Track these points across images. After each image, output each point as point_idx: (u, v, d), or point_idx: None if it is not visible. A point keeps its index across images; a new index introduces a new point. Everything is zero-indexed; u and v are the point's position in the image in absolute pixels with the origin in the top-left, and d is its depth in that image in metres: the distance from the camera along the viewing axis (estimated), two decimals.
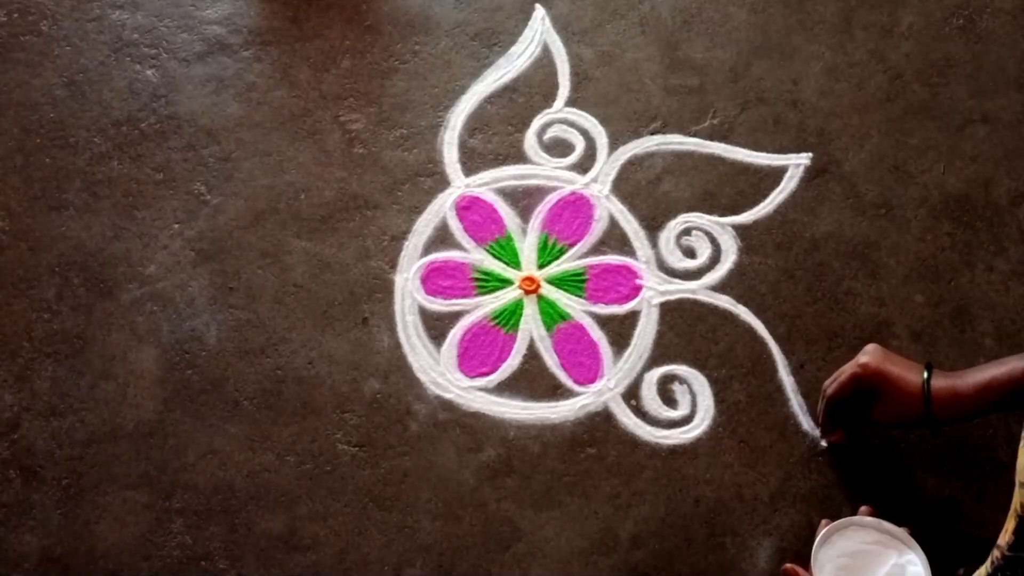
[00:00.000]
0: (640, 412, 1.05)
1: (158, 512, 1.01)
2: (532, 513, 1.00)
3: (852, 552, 0.91)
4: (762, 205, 1.15)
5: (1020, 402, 0.88)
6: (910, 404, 0.91)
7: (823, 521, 0.94)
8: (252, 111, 1.21)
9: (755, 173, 1.17)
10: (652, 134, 1.19)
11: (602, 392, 1.06)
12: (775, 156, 1.18)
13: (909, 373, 0.91)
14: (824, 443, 1.02)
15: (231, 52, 1.25)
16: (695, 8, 1.27)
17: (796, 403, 1.04)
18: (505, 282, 1.12)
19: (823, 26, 1.25)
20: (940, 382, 0.90)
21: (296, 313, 1.10)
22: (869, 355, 0.93)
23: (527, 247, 1.13)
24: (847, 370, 0.94)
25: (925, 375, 0.90)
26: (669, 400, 1.06)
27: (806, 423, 1.04)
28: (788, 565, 0.95)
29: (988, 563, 0.78)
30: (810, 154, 1.17)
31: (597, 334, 1.09)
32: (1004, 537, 0.76)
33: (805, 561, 0.92)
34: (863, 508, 0.95)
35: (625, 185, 1.16)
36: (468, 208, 1.15)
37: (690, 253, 1.13)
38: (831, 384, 0.96)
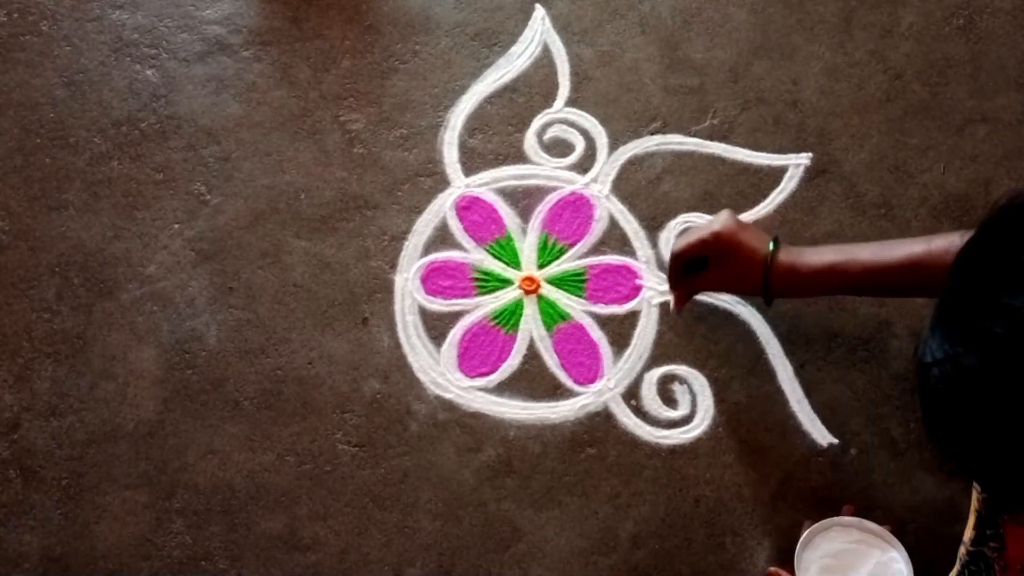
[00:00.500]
0: (640, 412, 1.05)
1: (158, 512, 1.01)
2: (532, 513, 1.00)
3: (835, 552, 0.91)
4: (762, 205, 1.15)
5: (862, 292, 0.97)
6: (750, 273, 0.95)
7: (806, 523, 0.94)
8: (252, 111, 1.21)
9: (755, 173, 1.17)
10: (652, 134, 1.19)
11: (602, 392, 1.06)
12: (775, 156, 1.17)
13: (757, 244, 0.95)
14: (671, 303, 1.06)
15: (231, 52, 1.25)
16: (695, 8, 1.27)
17: (796, 403, 1.04)
18: (505, 282, 1.12)
19: (823, 26, 1.25)
20: (783, 257, 0.94)
21: (296, 313, 1.10)
22: (721, 224, 0.96)
23: (527, 247, 1.13)
24: (698, 234, 0.97)
25: (771, 247, 0.94)
26: (669, 400, 1.06)
27: (806, 423, 1.04)
28: (772, 569, 0.95)
29: (957, 561, 0.79)
30: (810, 154, 1.17)
31: (597, 334, 1.09)
32: (967, 534, 0.77)
33: (790, 564, 0.92)
34: (845, 508, 0.95)
35: (625, 185, 1.16)
36: (468, 208, 1.15)
37: None
38: (678, 243, 0.99)
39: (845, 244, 0.95)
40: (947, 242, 0.86)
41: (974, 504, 0.76)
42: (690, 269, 1.00)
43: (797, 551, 0.91)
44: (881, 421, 1.04)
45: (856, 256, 0.92)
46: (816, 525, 0.93)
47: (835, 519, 0.93)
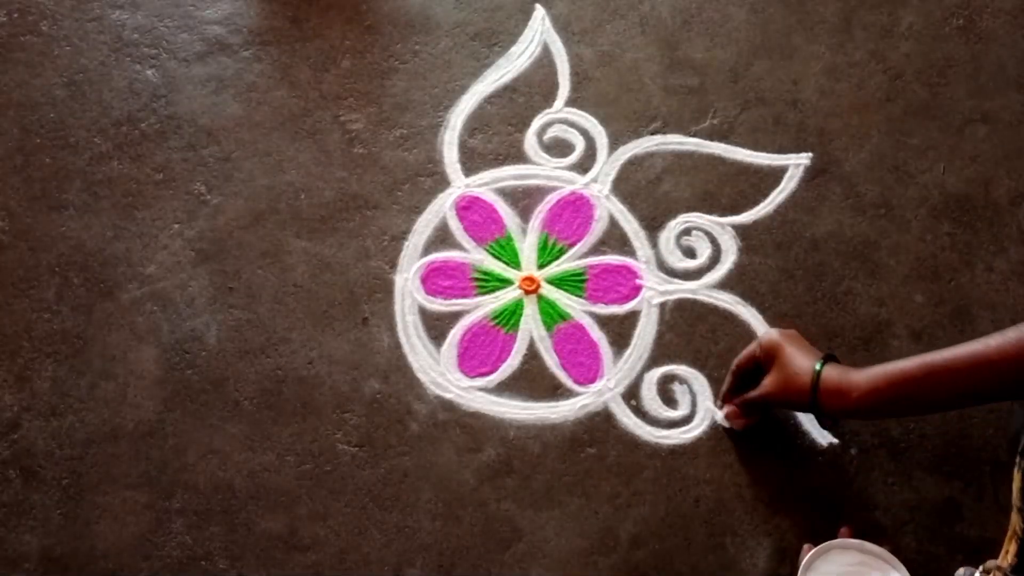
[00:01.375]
0: (640, 412, 1.05)
1: (158, 512, 1.01)
2: (532, 513, 1.00)
3: (836, 575, 0.91)
4: (762, 205, 1.15)
5: (926, 405, 0.88)
6: (798, 385, 0.92)
7: (805, 546, 0.94)
8: (252, 111, 1.21)
9: (755, 173, 1.17)
10: (652, 134, 1.19)
11: (602, 392, 1.06)
12: (775, 156, 1.18)
13: (805, 357, 0.93)
14: (720, 419, 1.03)
15: (231, 52, 1.25)
16: (695, 8, 1.27)
17: None
18: (505, 282, 1.12)
19: (823, 26, 1.25)
20: (832, 372, 0.90)
21: (296, 313, 1.10)
22: (769, 332, 0.98)
23: (527, 247, 1.13)
24: (750, 345, 0.98)
25: (819, 365, 0.91)
26: (669, 400, 1.06)
27: (806, 422, 1.04)
28: None
29: None
30: (810, 154, 1.17)
31: (597, 334, 1.09)
32: (1005, 559, 0.76)
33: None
34: (843, 530, 0.95)
35: (625, 185, 1.16)
36: (468, 208, 1.15)
37: (690, 253, 1.13)
38: (736, 357, 1.00)
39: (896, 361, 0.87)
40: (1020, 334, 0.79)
41: (1014, 529, 0.75)
42: (740, 382, 1.00)
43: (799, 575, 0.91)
44: (881, 421, 1.04)
45: (911, 362, 0.85)
46: (816, 549, 0.92)
47: (834, 542, 0.92)
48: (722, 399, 1.03)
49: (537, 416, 1.05)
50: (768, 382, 0.95)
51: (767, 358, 0.95)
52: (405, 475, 1.02)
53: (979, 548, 0.96)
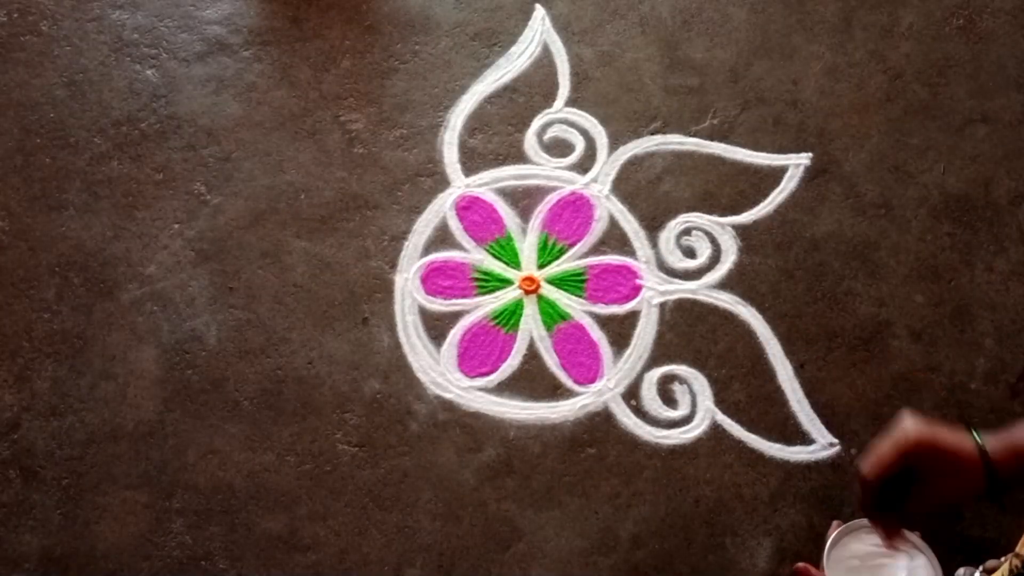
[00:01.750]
0: (640, 412, 1.05)
1: (158, 512, 1.01)
2: (532, 513, 1.00)
3: (863, 554, 0.90)
4: (762, 205, 1.15)
5: None
6: (970, 474, 0.73)
7: (834, 523, 0.94)
8: (252, 111, 1.21)
9: (755, 173, 1.17)
10: (652, 134, 1.19)
11: (602, 392, 1.06)
12: (775, 156, 1.18)
13: (957, 439, 0.73)
14: (881, 546, 0.82)
15: (231, 52, 1.25)
16: (695, 8, 1.27)
17: (796, 403, 1.04)
18: (505, 282, 1.12)
19: (823, 26, 1.25)
20: (994, 442, 0.73)
21: (296, 313, 1.10)
22: (911, 423, 0.74)
23: (527, 247, 1.13)
24: (888, 445, 0.74)
25: (975, 437, 0.73)
26: (669, 400, 1.06)
27: (806, 423, 1.04)
28: (800, 565, 0.94)
29: (1005, 571, 0.77)
30: (810, 154, 1.17)
31: (597, 334, 1.09)
32: None
33: (813, 561, 0.92)
34: None
35: (625, 185, 1.16)
36: (468, 208, 1.15)
37: (690, 253, 1.13)
38: (867, 462, 0.74)
39: None
40: None
41: None
42: (886, 495, 0.75)
43: (826, 550, 0.90)
44: (881, 421, 1.03)
45: None
46: (845, 526, 0.91)
47: (863, 520, 0.92)
48: (880, 526, 0.77)
49: (537, 416, 1.05)
50: (937, 490, 0.75)
51: (916, 462, 0.73)
52: (405, 475, 1.02)
53: (979, 548, 0.96)
